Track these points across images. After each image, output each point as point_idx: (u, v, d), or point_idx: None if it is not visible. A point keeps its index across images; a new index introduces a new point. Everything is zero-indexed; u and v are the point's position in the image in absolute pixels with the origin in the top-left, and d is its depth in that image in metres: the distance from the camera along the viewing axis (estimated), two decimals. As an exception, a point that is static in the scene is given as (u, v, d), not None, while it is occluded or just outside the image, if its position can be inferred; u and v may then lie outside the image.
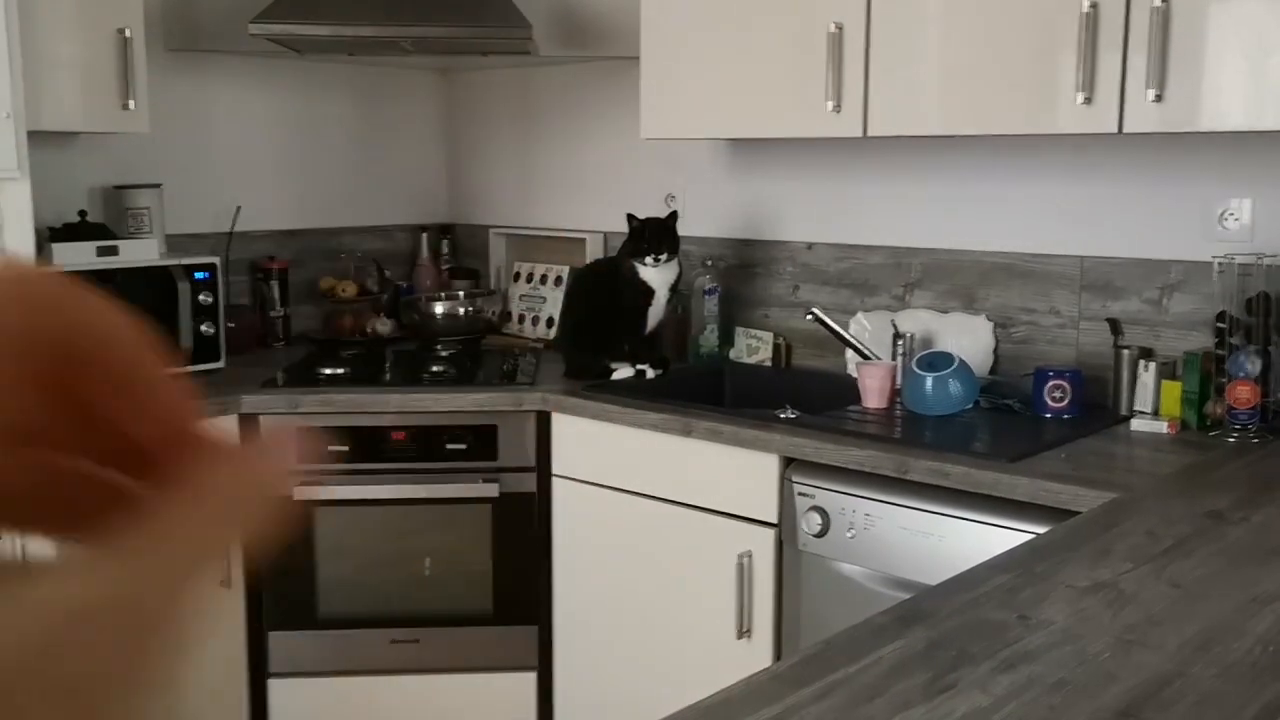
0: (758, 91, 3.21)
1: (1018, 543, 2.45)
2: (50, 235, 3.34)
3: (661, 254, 3.42)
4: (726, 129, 3.33)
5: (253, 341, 3.97)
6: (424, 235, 4.57)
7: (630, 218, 3.46)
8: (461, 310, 4.05)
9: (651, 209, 3.63)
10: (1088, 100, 2.63)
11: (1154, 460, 2.60)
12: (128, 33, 3.29)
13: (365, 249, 4.44)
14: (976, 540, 2.53)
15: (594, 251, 4.19)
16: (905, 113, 2.96)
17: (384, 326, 4.16)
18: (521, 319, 4.31)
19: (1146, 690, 1.39)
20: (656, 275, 3.45)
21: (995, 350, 3.30)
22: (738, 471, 2.96)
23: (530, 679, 3.48)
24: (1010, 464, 2.53)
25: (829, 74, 3.04)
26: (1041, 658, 1.49)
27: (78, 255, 3.27)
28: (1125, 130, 2.60)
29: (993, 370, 3.29)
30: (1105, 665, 1.47)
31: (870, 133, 3.01)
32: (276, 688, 3.43)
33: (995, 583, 1.77)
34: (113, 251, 3.33)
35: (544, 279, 4.28)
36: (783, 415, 2.97)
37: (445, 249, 4.66)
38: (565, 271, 4.21)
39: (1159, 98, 2.54)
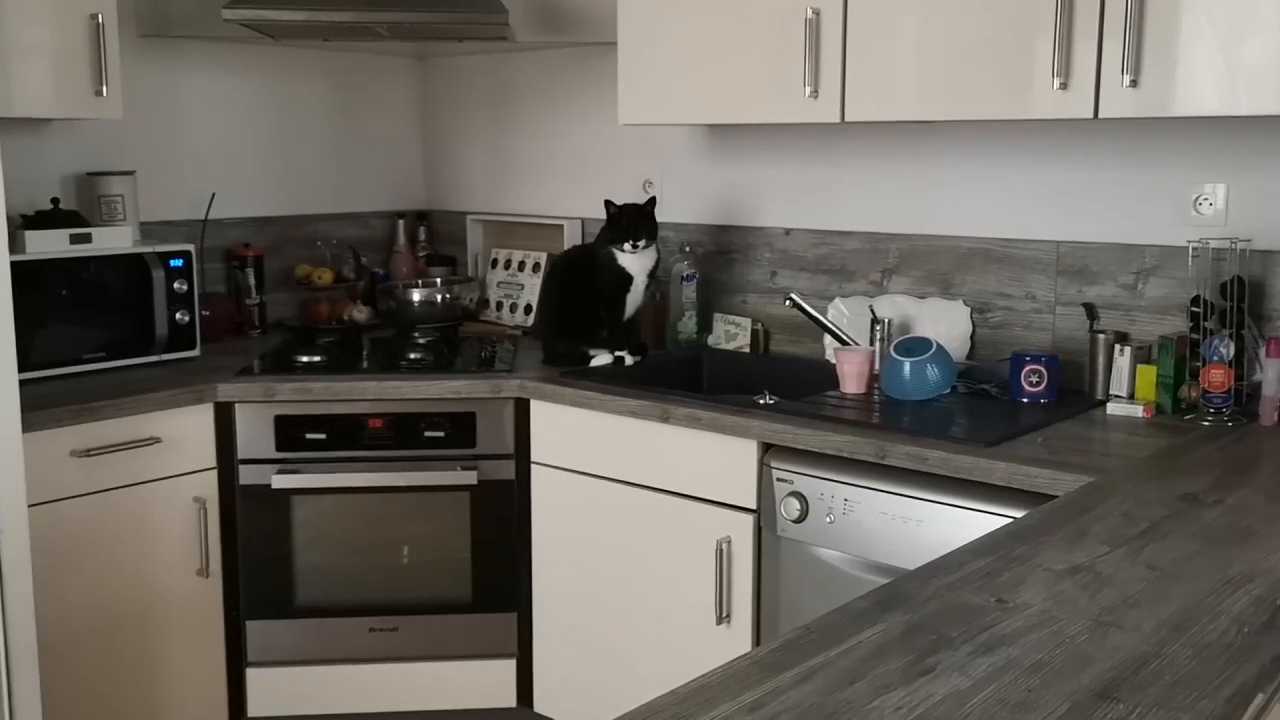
0: (735, 77, 3.21)
1: (995, 527, 2.47)
2: (23, 222, 3.31)
3: (640, 240, 3.41)
4: (704, 115, 3.31)
5: (228, 329, 3.96)
6: (400, 222, 4.55)
7: (608, 204, 3.45)
8: (439, 297, 4.03)
9: (628, 195, 3.62)
10: (1064, 86, 2.63)
11: (1130, 444, 2.61)
12: (100, 18, 3.26)
13: (341, 236, 4.42)
14: (954, 524, 2.54)
15: (572, 238, 4.19)
16: (882, 98, 2.95)
17: (360, 314, 4.15)
18: (499, 306, 4.30)
19: (1123, 671, 1.40)
20: (635, 262, 3.45)
21: (972, 335, 3.30)
22: (716, 457, 2.96)
23: (509, 666, 3.48)
24: (988, 448, 2.54)
25: (806, 60, 3.04)
26: (1019, 640, 1.49)
27: (51, 243, 3.24)
28: (1101, 116, 2.60)
29: (970, 355, 3.29)
30: (1082, 647, 1.47)
31: (848, 118, 3.01)
32: (255, 677, 3.42)
33: (973, 567, 1.77)
34: (86, 239, 3.30)
35: (521, 265, 4.27)
36: (761, 401, 2.96)
37: (422, 235, 4.64)
38: (543, 258, 4.20)
39: (1134, 83, 2.54)
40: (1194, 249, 2.80)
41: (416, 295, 4.02)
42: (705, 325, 3.83)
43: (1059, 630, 1.53)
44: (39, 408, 2.90)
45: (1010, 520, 2.42)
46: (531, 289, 4.19)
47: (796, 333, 3.67)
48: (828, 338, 3.51)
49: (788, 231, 3.69)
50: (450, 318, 4.01)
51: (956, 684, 1.37)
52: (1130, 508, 2.06)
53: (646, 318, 3.71)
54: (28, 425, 2.75)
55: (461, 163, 4.61)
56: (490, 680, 3.49)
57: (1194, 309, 2.80)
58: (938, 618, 1.57)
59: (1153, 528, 1.95)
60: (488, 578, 3.43)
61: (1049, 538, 1.91)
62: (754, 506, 2.91)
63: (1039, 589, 1.67)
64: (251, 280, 4.05)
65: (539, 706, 3.47)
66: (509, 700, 3.50)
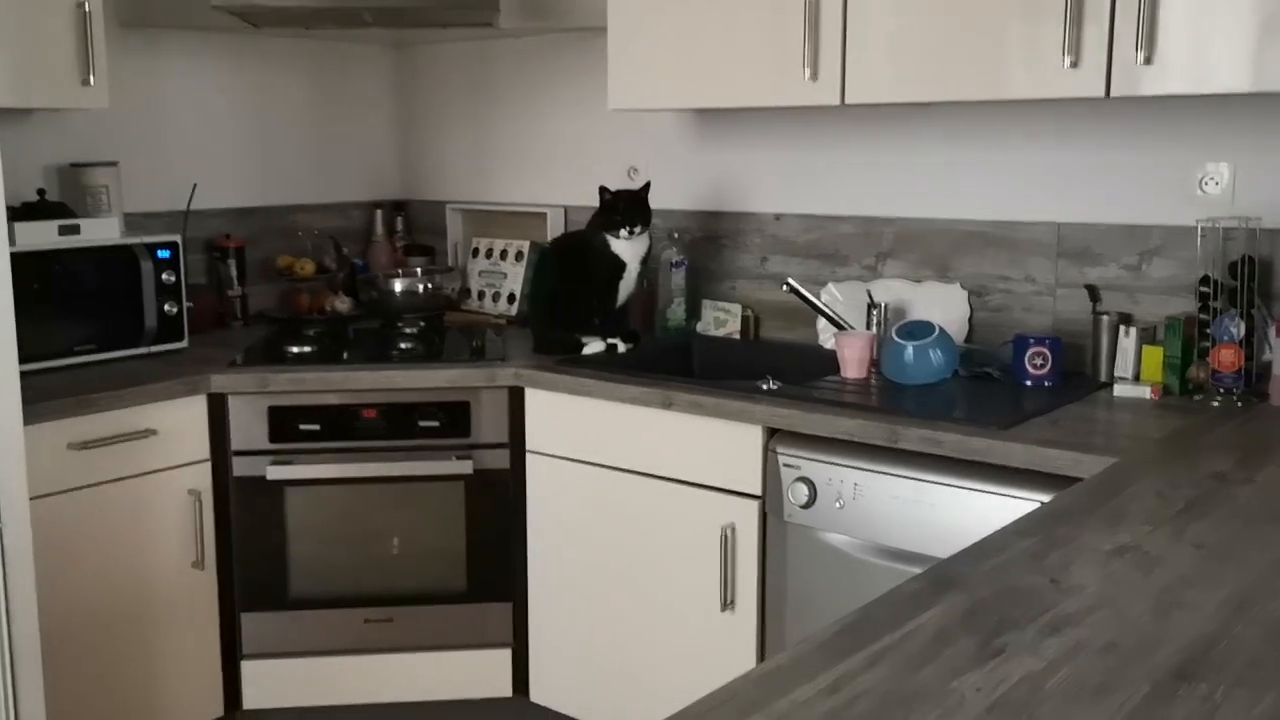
0: (732, 60, 3.18)
1: (1012, 510, 2.46)
2: (10, 214, 3.23)
3: (635, 226, 3.38)
4: (698, 99, 3.28)
5: (211, 321, 3.89)
6: (378, 212, 4.50)
7: (602, 190, 3.41)
8: (420, 287, 3.99)
9: (613, 182, 3.58)
10: (1074, 64, 2.62)
11: (1143, 425, 2.60)
12: (86, 6, 3.19)
13: (321, 226, 4.36)
14: (969, 508, 2.52)
15: (556, 226, 4.15)
16: (885, 80, 2.93)
17: (343, 304, 4.09)
18: (481, 295, 4.25)
19: (1195, 652, 1.38)
20: (628, 248, 3.41)
21: (970, 319, 3.29)
22: (720, 444, 2.93)
23: (505, 656, 3.45)
24: (1003, 431, 2.53)
25: (806, 41, 3.01)
26: (1084, 621, 1.47)
27: (40, 235, 3.17)
28: (1113, 94, 2.58)
29: (968, 339, 3.28)
30: (1148, 627, 1.46)
31: (848, 101, 2.98)
32: (250, 669, 3.38)
33: (1019, 548, 1.76)
34: (74, 230, 3.23)
35: (504, 254, 4.22)
36: (765, 387, 2.94)
37: (400, 226, 4.58)
38: (526, 247, 4.16)
39: (1148, 60, 2.53)
40: (1203, 228, 2.80)
41: (398, 285, 3.97)
42: (694, 312, 3.80)
43: (1121, 611, 1.51)
44: (35, 400, 2.84)
45: (1027, 502, 2.44)
46: (514, 278, 4.15)
47: (788, 319, 3.65)
48: (821, 323, 3.49)
49: (778, 216, 3.67)
50: (433, 308, 3.97)
51: (1030, 666, 1.35)
52: (1162, 488, 2.06)
53: (635, 305, 3.68)
54: (26, 418, 2.69)
55: (441, 152, 4.56)
56: (486, 670, 3.45)
57: (1203, 289, 2.79)
58: (995, 599, 1.55)
59: (1189, 507, 1.94)
60: (483, 568, 3.40)
61: (1088, 518, 1.89)
62: (759, 493, 2.88)
63: (1091, 569, 1.66)
64: (233, 271, 3.99)
65: (535, 696, 3.44)
66: (505, 690, 3.46)
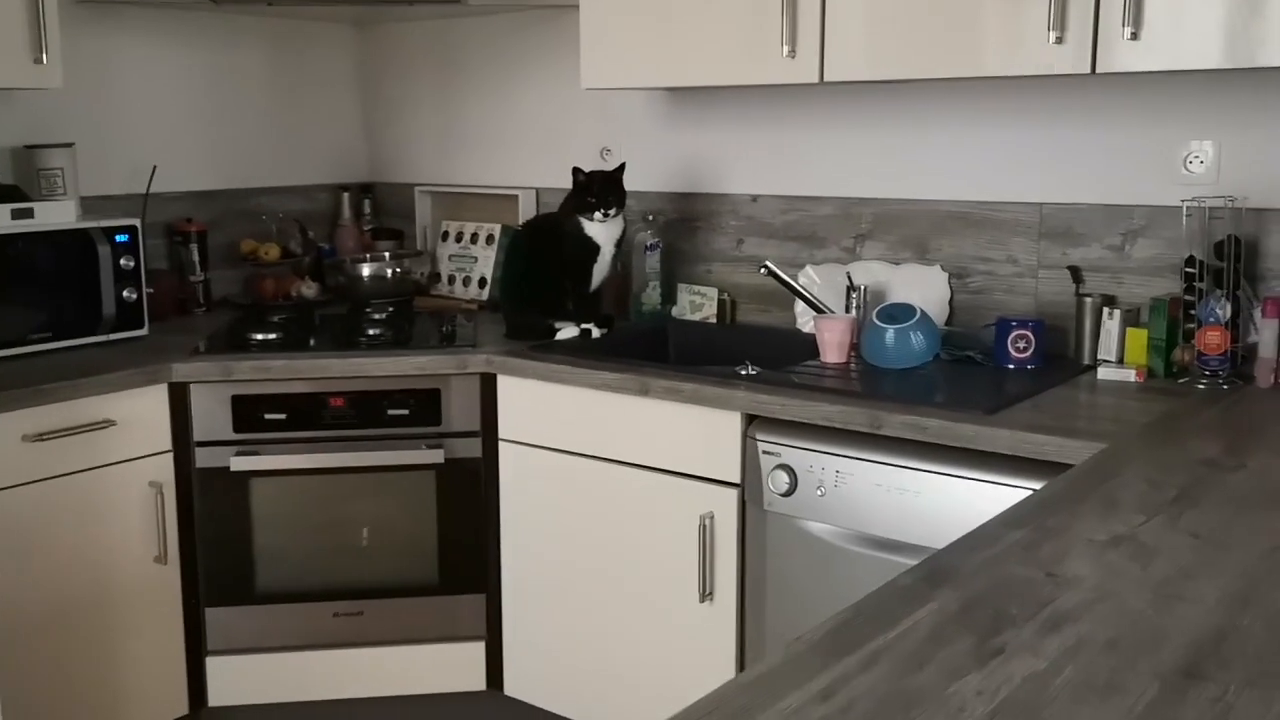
0: (707, 38, 3.10)
1: (997, 496, 2.41)
2: (-39, 197, 3.15)
3: (609, 209, 3.31)
4: (674, 77, 3.21)
5: (172, 307, 3.80)
6: (345, 195, 4.41)
7: (576, 171, 3.34)
8: (389, 272, 3.92)
9: (586, 163, 3.50)
10: (1059, 40, 2.56)
11: (1129, 409, 2.55)
12: (38, -19, 3.10)
13: (285, 209, 4.27)
14: (955, 495, 2.47)
15: (526, 208, 4.07)
16: (864, 57, 2.86)
17: (309, 290, 4.01)
18: (452, 280, 4.17)
19: (1201, 647, 1.33)
20: (602, 231, 3.35)
21: (951, 301, 3.23)
22: (697, 431, 2.87)
23: (479, 649, 3.38)
24: (988, 416, 2.47)
25: (784, 17, 2.94)
26: (1084, 616, 1.41)
27: (-9, 218, 3.08)
28: (1099, 71, 2.53)
29: (948, 321, 3.22)
30: (1151, 622, 1.40)
31: (827, 78, 2.92)
32: (215, 666, 3.30)
33: (1011, 539, 1.70)
34: (28, 214, 3.13)
35: (474, 238, 4.14)
36: (744, 372, 2.87)
37: (367, 208, 4.50)
38: (497, 230, 4.08)
39: (1135, 36, 2.47)
40: (1188, 208, 2.74)
41: (366, 270, 3.90)
42: (669, 296, 3.73)
43: (1121, 604, 1.45)
44: (-11, 390, 2.76)
45: (1013, 488, 2.38)
46: (485, 262, 4.07)
47: (765, 302, 3.58)
48: (799, 306, 3.42)
49: (754, 198, 3.60)
50: (402, 292, 3.90)
51: (1032, 665, 1.29)
52: (1152, 474, 2.00)
53: (609, 289, 3.60)
54: (-21, 409, 2.60)
55: (407, 133, 4.47)
56: (459, 664, 3.38)
57: (1188, 270, 2.74)
58: (991, 593, 1.49)
59: (1182, 494, 1.89)
60: (455, 559, 3.33)
61: (1079, 507, 1.84)
62: (738, 481, 2.82)
63: (1086, 561, 1.60)
64: (195, 256, 3.90)
65: (510, 690, 3.37)
66: (479, 684, 3.40)
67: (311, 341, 3.37)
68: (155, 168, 3.82)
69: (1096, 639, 1.35)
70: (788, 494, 2.71)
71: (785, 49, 2.95)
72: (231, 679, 3.31)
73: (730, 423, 2.80)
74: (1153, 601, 1.46)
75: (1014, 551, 1.65)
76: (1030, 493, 2.34)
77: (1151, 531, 1.72)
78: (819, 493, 2.66)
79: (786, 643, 1.37)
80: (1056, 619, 1.41)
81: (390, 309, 3.74)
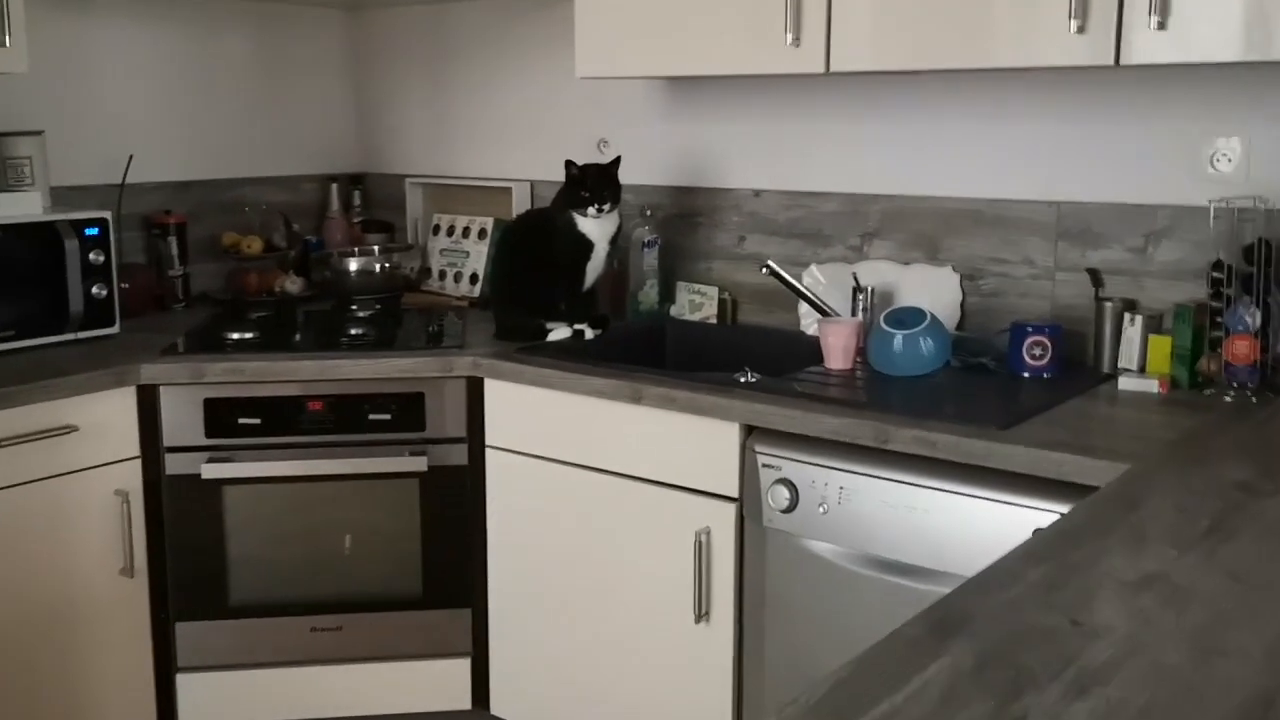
0: (708, 25, 2.95)
1: (1011, 518, 2.25)
2: (-82, 189, 2.99)
3: (604, 204, 3.16)
4: (673, 66, 3.05)
5: (149, 303, 3.65)
6: (334, 186, 4.26)
7: (569, 164, 3.18)
8: (378, 266, 3.77)
9: (582, 155, 3.35)
10: (1081, 29, 2.39)
11: (1151, 423, 2.40)
12: (-1, -41, 2.94)
13: (270, 201, 4.11)
14: (965, 514, 2.31)
15: (520, 201, 3.92)
16: (873, 46, 2.70)
17: (293, 285, 3.85)
18: (443, 275, 4.02)
19: (1248, 713, 1.17)
20: (596, 227, 3.19)
21: (962, 304, 3.08)
22: (693, 441, 2.71)
23: (464, 665, 3.25)
24: (1002, 431, 2.31)
25: (788, 4, 2.78)
26: (1115, 677, 1.25)
27: (-51, 211, 2.93)
28: (1123, 63, 2.36)
29: (959, 326, 3.07)
30: (1190, 682, 1.24)
31: (834, 68, 2.76)
32: (186, 683, 3.16)
33: (1031, 578, 1.54)
34: (-11, 206, 2.99)
35: (466, 232, 3.99)
36: (742, 379, 2.72)
37: (357, 200, 4.34)
38: (490, 223, 3.93)
39: (1162, 25, 2.30)
40: (1215, 209, 2.58)
41: (354, 265, 3.74)
42: (668, 294, 3.58)
43: (1156, 660, 1.29)
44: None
45: (1030, 510, 2.23)
46: (477, 257, 3.92)
47: (767, 302, 3.43)
48: (803, 307, 3.27)
49: (757, 193, 3.45)
50: (390, 288, 3.74)
51: (1059, 738, 1.13)
52: (1182, 500, 1.84)
53: (605, 287, 3.46)
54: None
55: (399, 122, 4.31)
56: (443, 681, 3.25)
57: (1215, 274, 2.58)
58: (1009, 645, 1.33)
59: (1216, 525, 1.72)
60: (439, 572, 3.18)
61: (1106, 539, 1.67)
62: (736, 495, 2.67)
63: (1115, 605, 1.44)
64: (174, 250, 3.74)
65: (496, 709, 3.24)
66: (464, 702, 3.26)
67: (297, 338, 3.24)
68: (131, 157, 3.67)
69: (1130, 706, 1.19)
70: (788, 510, 2.55)
71: (789, 37, 2.79)
72: (203, 697, 3.17)
73: (728, 433, 2.65)
74: (1190, 656, 1.30)
75: (1034, 593, 1.49)
76: (1047, 514, 2.20)
77: (1185, 570, 1.56)
78: (821, 510, 2.50)
79: (778, 708, 1.22)
80: (1084, 679, 1.25)
81: (377, 306, 3.58)
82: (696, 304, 3.53)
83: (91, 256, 3.15)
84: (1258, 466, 2.03)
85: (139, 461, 3.00)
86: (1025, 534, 2.23)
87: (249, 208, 4.05)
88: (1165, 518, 1.77)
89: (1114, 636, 1.36)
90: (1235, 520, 1.75)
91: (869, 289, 3.08)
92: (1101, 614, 1.42)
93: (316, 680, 3.20)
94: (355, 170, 4.41)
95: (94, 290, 3.17)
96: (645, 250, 3.52)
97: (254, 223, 4.02)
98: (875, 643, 1.35)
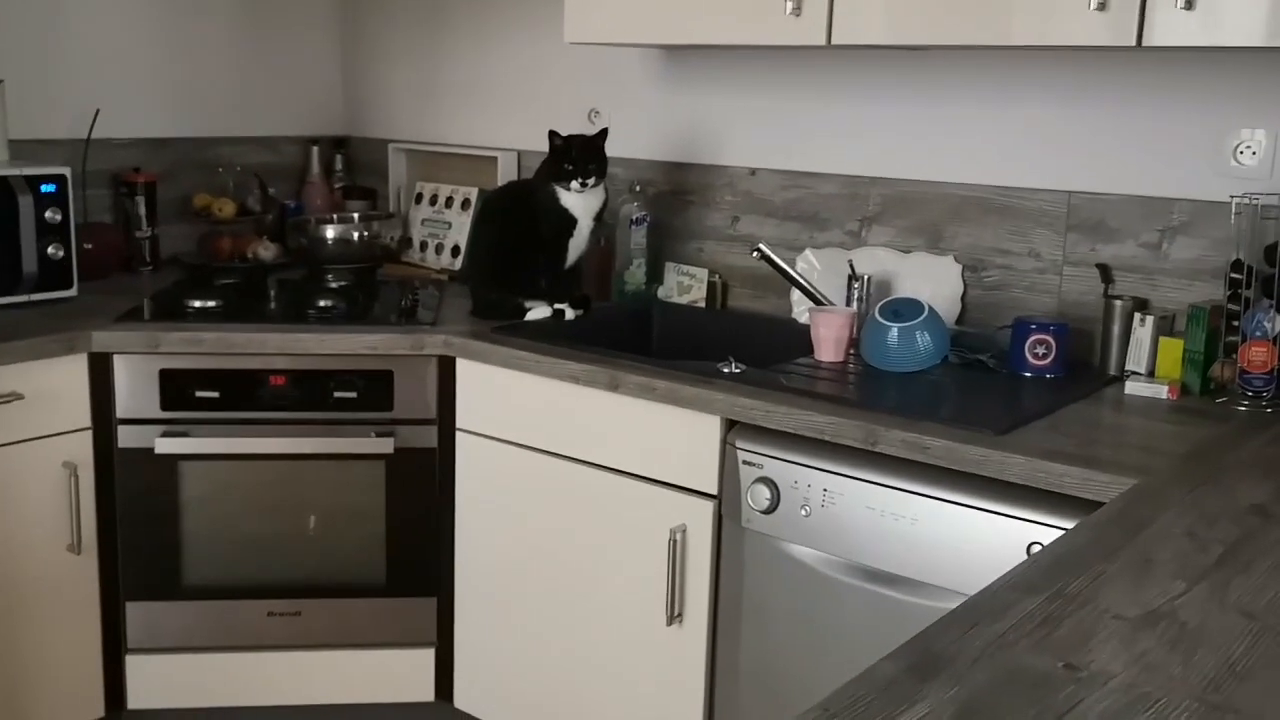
0: (703, -10, 2.79)
1: (1006, 530, 2.10)
2: None
3: (589, 178, 3.00)
4: (665, 34, 2.89)
5: (115, 264, 3.50)
6: (315, 149, 4.10)
7: (553, 135, 3.02)
8: (356, 235, 3.63)
9: (572, 125, 3.21)
10: (1102, 6, 2.23)
11: (1161, 433, 2.24)
12: (-45, -104, 2.78)
13: (246, 162, 3.95)
14: (956, 524, 2.16)
15: (507, 172, 3.77)
16: (878, 19, 2.54)
17: (267, 251, 3.69)
18: (424, 246, 3.87)
19: (1264, 791, 1.02)
20: (580, 202, 3.04)
21: (963, 297, 2.92)
22: (672, 434, 2.56)
23: (427, 656, 3.13)
24: (1000, 437, 2.15)
25: (788, -29, 2.62)
26: (1113, 736, 1.10)
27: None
28: (1146, 44, 2.20)
29: (959, 320, 2.92)
30: (1199, 747, 1.09)
31: (835, 41, 2.60)
32: (135, 665, 3.04)
33: (1022, 610, 1.38)
34: (-63, 158, 2.83)
35: (449, 202, 3.84)
36: (726, 370, 2.56)
37: (339, 165, 4.19)
38: (474, 194, 3.78)
39: (1189, 4, 2.14)
40: (1237, 205, 2.42)
41: (330, 232, 3.59)
42: (655, 275, 3.43)
43: (1159, 716, 1.14)
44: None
45: (1025, 524, 2.08)
46: (460, 228, 3.77)
47: (759, 286, 3.27)
48: (797, 294, 3.11)
49: (753, 171, 3.29)
50: (368, 258, 3.59)
51: (1047, 813, 0.98)
52: (1193, 523, 1.69)
53: (590, 265, 3.31)
54: None
55: (385, 84, 4.15)
56: (405, 671, 3.12)
57: (1234, 275, 2.42)
58: (994, 693, 1.18)
59: (1229, 553, 1.57)
60: (404, 558, 3.05)
61: (1107, 567, 1.52)
62: (715, 492, 2.52)
63: (1114, 647, 1.29)
64: (142, 210, 3.59)
65: (459, 702, 3.11)
66: (426, 694, 3.14)
67: (269, 308, 3.12)
68: (98, 111, 3.51)
69: (1130, 774, 1.04)
70: (769, 511, 2.40)
71: (789, 5, 2.63)
72: (153, 680, 3.04)
73: (708, 427, 2.50)
74: (1198, 711, 1.15)
75: (1025, 629, 1.34)
76: (1045, 529, 2.05)
77: (1194, 606, 1.40)
78: (804, 512, 2.35)
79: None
80: (1078, 739, 1.10)
81: (350, 276, 3.43)
82: (685, 286, 3.38)
83: (48, 215, 3.00)
84: (1274, 487, 1.88)
85: (89, 433, 2.86)
86: (1020, 549, 2.09)
87: (223, 168, 3.89)
88: (1173, 544, 1.62)
89: (1112, 685, 1.21)
90: (1249, 549, 1.60)
91: (865, 277, 2.93)
92: (1098, 656, 1.27)
93: (272, 666, 3.07)
94: (338, 133, 4.25)
95: (50, 250, 3.01)
96: (633, 228, 3.37)
97: (228, 184, 3.86)
98: (845, 683, 1.20)
